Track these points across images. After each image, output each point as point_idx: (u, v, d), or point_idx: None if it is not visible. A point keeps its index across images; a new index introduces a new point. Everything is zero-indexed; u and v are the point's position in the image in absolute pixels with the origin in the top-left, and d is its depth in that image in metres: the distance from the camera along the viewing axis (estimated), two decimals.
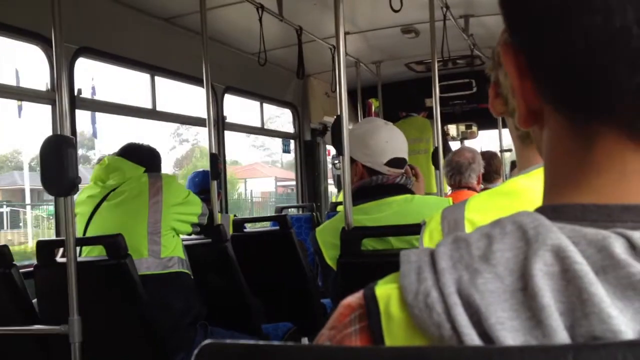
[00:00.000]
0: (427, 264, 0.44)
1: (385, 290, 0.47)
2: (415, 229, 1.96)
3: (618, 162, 0.44)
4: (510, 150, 6.01)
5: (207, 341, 0.46)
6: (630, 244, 0.40)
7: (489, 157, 4.26)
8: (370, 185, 2.30)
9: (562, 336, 0.37)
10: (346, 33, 3.63)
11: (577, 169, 0.46)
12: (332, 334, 0.49)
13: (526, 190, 1.16)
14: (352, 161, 2.33)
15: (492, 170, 4.16)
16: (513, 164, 4.46)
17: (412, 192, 2.36)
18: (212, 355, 0.45)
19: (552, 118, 0.48)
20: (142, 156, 2.97)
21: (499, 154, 4.94)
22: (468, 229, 1.20)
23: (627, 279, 0.38)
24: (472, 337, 0.39)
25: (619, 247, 0.39)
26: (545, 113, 0.49)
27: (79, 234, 2.81)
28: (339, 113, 2.30)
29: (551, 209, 0.45)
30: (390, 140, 2.37)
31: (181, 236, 2.96)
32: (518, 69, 0.49)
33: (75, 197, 2.89)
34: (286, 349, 0.44)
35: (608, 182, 0.45)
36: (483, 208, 1.22)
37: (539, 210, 0.46)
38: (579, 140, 0.46)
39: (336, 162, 2.98)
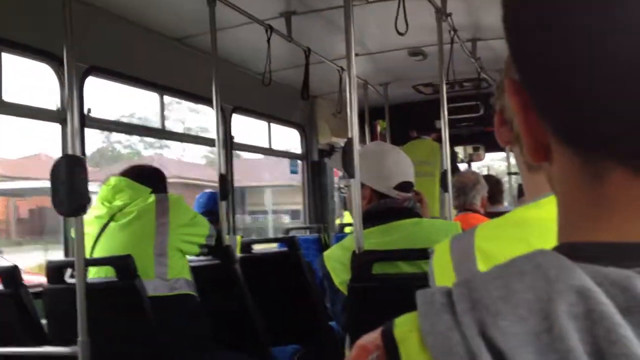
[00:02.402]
0: (445, 304, 0.43)
1: (404, 331, 0.46)
2: (426, 254, 1.95)
3: (632, 199, 0.44)
4: (517, 173, 6.01)
5: None
6: None
7: (495, 182, 4.35)
8: (379, 209, 2.30)
9: None
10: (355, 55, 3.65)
11: (591, 206, 0.46)
12: None
13: (537, 219, 1.14)
14: (361, 185, 2.33)
15: (496, 193, 4.25)
16: (520, 187, 4.48)
17: (420, 216, 2.36)
18: None
19: (560, 152, 0.47)
20: (147, 177, 2.98)
21: (507, 176, 4.94)
22: (479, 258, 1.18)
23: None
24: None
25: None
26: (552, 147, 0.48)
27: (86, 254, 2.81)
28: (349, 135, 2.30)
29: (569, 247, 0.45)
30: (399, 164, 2.39)
31: (189, 257, 2.96)
32: (523, 105, 0.48)
33: (85, 216, 2.90)
34: None
35: (622, 219, 0.44)
36: (494, 237, 1.20)
37: (557, 249, 0.45)
38: (588, 175, 0.45)
39: (342, 187, 2.96)
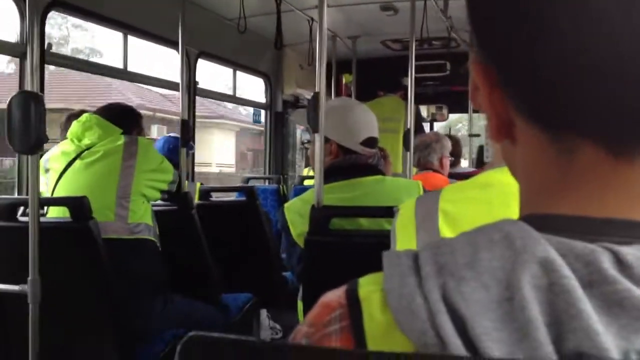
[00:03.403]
0: (411, 267, 0.43)
1: (368, 291, 0.46)
2: (386, 212, 1.96)
3: (598, 175, 0.44)
4: (478, 135, 6.06)
5: (191, 333, 0.45)
6: (617, 259, 0.40)
7: (455, 143, 4.43)
8: (343, 165, 2.30)
9: (547, 350, 0.37)
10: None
11: (557, 180, 0.46)
12: (310, 331, 0.48)
13: (501, 183, 1.16)
14: (326, 140, 2.32)
15: (455, 154, 4.36)
16: (480, 150, 4.54)
17: (383, 174, 2.37)
18: (196, 348, 0.45)
19: (526, 131, 0.47)
20: (122, 117, 2.91)
21: (468, 138, 4.99)
22: (441, 218, 1.19)
23: (613, 295, 0.38)
24: (457, 346, 0.39)
25: (606, 262, 0.39)
26: (517, 126, 0.48)
27: (49, 189, 2.77)
28: (317, 89, 2.27)
29: (536, 219, 0.45)
30: (365, 119, 2.39)
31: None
32: (488, 83, 0.48)
33: (52, 151, 2.85)
34: (276, 347, 0.43)
35: (589, 195, 0.45)
36: (458, 199, 1.22)
37: (524, 219, 0.45)
38: (557, 151, 0.45)
39: (305, 141, 2.94)
